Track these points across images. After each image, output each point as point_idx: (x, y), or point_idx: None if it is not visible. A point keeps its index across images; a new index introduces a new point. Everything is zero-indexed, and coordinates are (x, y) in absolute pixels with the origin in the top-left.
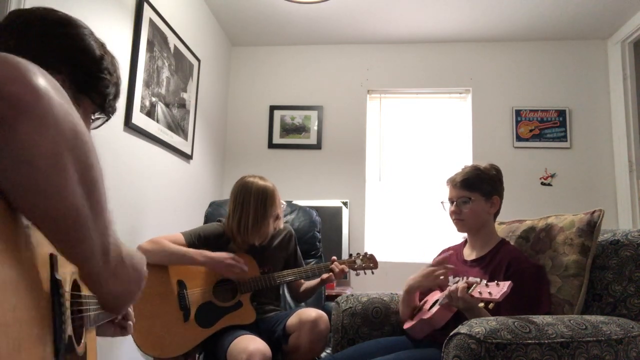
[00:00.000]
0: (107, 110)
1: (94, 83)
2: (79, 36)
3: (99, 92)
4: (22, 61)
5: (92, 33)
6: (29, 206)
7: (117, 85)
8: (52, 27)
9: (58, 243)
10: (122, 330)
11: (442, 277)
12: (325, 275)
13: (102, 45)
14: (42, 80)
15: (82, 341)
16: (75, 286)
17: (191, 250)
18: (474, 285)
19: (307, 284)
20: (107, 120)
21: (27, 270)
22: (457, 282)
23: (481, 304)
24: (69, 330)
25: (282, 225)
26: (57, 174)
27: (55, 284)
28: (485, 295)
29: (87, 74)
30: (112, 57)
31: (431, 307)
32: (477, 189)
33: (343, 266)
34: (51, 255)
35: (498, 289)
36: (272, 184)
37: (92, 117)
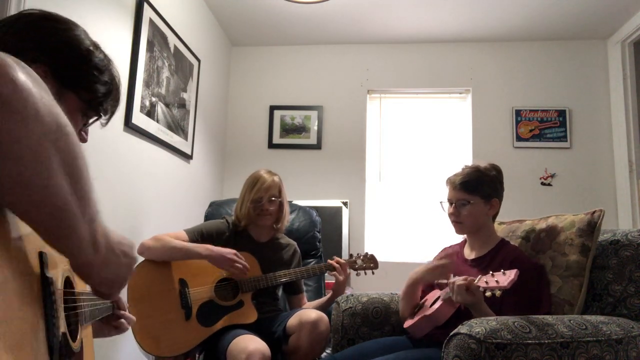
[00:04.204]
0: (97, 108)
1: (78, 78)
2: (65, 30)
3: (85, 89)
4: (3, 58)
5: (84, 32)
6: (16, 200)
7: (108, 84)
8: (38, 20)
9: (47, 235)
10: (116, 329)
11: (445, 274)
12: (330, 281)
13: (94, 44)
14: (21, 74)
15: (78, 337)
16: (68, 284)
17: (193, 244)
18: (478, 277)
19: (312, 303)
20: (98, 119)
21: (16, 269)
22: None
23: (488, 294)
24: (63, 327)
25: (286, 223)
26: (42, 166)
27: (46, 282)
28: (492, 284)
29: (71, 68)
30: (106, 57)
31: (432, 304)
32: (477, 192)
33: (339, 260)
34: (40, 254)
35: (505, 277)
36: (266, 174)
37: (86, 118)
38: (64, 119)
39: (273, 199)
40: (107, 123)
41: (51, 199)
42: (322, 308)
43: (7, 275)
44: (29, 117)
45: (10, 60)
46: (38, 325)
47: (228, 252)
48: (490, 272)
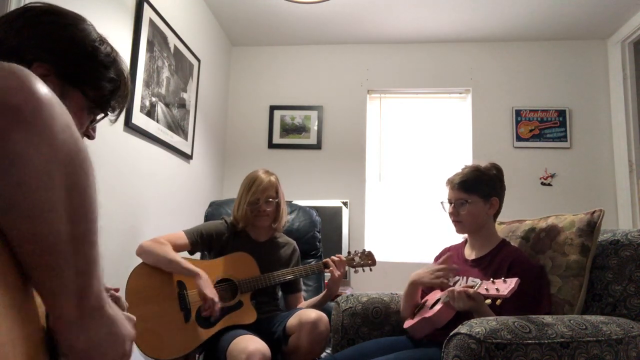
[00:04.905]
0: (104, 106)
1: (83, 76)
2: (69, 26)
3: (91, 86)
4: (27, 73)
5: (91, 26)
6: (9, 221)
7: (114, 81)
8: (40, 15)
9: (29, 270)
10: None
11: (443, 279)
12: (327, 280)
13: (100, 39)
14: (46, 92)
15: None
16: None
17: (190, 265)
18: (478, 283)
19: (307, 302)
20: (105, 116)
21: (20, 297)
22: (457, 282)
23: (488, 301)
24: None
25: (283, 222)
26: (45, 194)
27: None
28: (493, 292)
29: (76, 66)
30: (113, 51)
31: (432, 305)
32: (475, 191)
33: (340, 257)
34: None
35: (505, 285)
36: (262, 174)
37: (93, 116)
38: (80, 147)
39: (270, 200)
40: (116, 120)
41: (41, 234)
42: (318, 305)
43: (11, 300)
44: (44, 141)
45: (32, 75)
46: (39, 347)
47: (211, 293)
48: (491, 279)
